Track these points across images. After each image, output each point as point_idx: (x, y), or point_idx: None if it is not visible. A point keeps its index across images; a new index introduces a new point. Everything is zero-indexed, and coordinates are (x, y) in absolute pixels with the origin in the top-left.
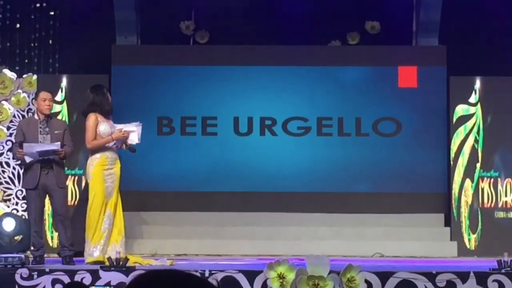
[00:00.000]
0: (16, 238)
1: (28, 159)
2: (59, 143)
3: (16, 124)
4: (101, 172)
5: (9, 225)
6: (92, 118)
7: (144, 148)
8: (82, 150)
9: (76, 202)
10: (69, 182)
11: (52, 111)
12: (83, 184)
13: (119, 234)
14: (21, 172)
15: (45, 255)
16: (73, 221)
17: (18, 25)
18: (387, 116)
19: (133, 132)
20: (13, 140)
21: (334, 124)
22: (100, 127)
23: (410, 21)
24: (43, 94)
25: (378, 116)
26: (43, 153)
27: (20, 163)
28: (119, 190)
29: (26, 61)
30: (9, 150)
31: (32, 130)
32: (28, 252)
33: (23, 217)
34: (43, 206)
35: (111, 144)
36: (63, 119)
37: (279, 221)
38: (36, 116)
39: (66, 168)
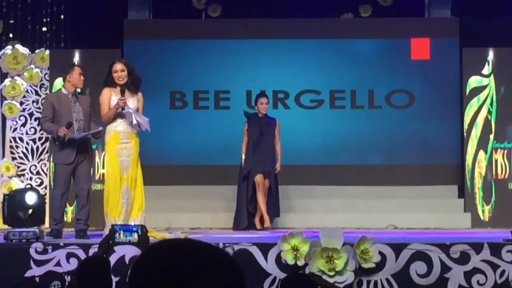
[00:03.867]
0: (32, 212)
1: (68, 137)
2: (101, 128)
3: (29, 99)
4: (115, 147)
5: (27, 199)
6: (104, 92)
7: (157, 123)
8: None
9: None
10: None
11: None
12: (96, 158)
13: (139, 210)
14: (34, 147)
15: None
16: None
17: (29, 0)
18: (400, 88)
19: (139, 119)
20: (38, 116)
21: (347, 97)
22: (111, 102)
23: None
24: (80, 69)
25: (391, 89)
26: (84, 135)
27: (52, 137)
28: (140, 165)
29: (38, 36)
30: (39, 124)
31: (64, 105)
32: (46, 225)
33: (38, 191)
34: (70, 182)
35: (123, 121)
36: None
37: (293, 194)
38: (64, 91)
39: None
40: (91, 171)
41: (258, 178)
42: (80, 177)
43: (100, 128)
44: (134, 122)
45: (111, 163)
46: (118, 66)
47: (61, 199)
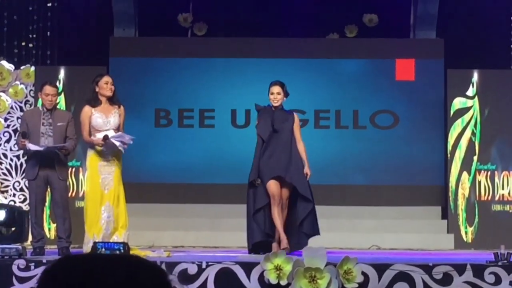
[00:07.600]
0: (11, 229)
1: (33, 147)
2: (66, 144)
3: (13, 116)
4: (97, 164)
5: (2, 216)
6: (84, 110)
7: (141, 140)
8: (79, 142)
9: (74, 194)
10: None
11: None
12: (81, 175)
13: (122, 227)
14: (18, 163)
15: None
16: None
17: (15, 17)
18: (385, 108)
19: (120, 138)
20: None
21: (331, 117)
22: (92, 121)
23: (407, 14)
24: (47, 89)
25: (376, 109)
26: (51, 148)
27: (22, 153)
28: (123, 183)
29: (24, 52)
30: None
31: (35, 121)
32: (28, 243)
33: (20, 208)
34: (44, 197)
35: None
36: (67, 111)
37: None
38: (40, 107)
39: None
40: (68, 187)
41: (272, 187)
42: (54, 194)
43: (65, 144)
44: (119, 148)
45: (92, 180)
46: (109, 79)
47: (34, 215)
